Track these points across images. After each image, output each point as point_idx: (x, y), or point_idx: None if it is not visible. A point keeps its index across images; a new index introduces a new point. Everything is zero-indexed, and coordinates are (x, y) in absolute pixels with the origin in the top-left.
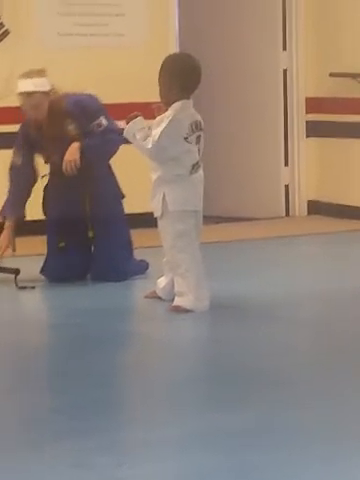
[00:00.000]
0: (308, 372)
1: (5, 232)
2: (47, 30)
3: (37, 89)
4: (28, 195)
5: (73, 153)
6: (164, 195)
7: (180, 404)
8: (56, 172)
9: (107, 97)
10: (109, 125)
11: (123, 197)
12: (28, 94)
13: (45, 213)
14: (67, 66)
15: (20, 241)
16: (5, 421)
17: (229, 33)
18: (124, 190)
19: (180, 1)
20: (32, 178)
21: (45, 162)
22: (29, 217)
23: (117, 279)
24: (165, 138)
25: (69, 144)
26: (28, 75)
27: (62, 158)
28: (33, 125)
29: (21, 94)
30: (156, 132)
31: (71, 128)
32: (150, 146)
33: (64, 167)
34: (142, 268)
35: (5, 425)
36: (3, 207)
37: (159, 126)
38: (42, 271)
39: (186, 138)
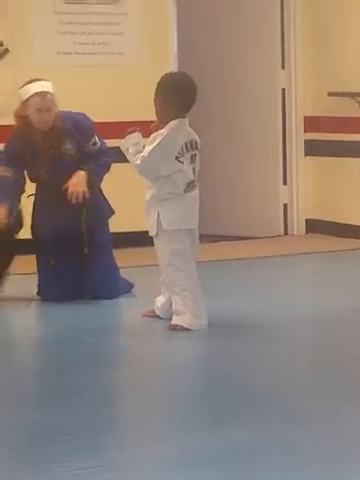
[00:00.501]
0: (305, 392)
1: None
2: (46, 49)
3: (50, 90)
4: (20, 194)
5: (82, 184)
6: (158, 214)
7: (178, 422)
8: (46, 190)
9: (105, 116)
10: (101, 145)
11: (113, 213)
12: (43, 94)
13: (34, 233)
14: (66, 85)
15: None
16: (5, 439)
17: (227, 52)
18: (115, 209)
19: (179, 20)
20: (22, 186)
21: (32, 180)
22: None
23: (111, 296)
24: (155, 156)
25: (64, 163)
26: (35, 80)
27: (54, 177)
28: (25, 138)
29: (35, 95)
30: (147, 149)
31: (69, 147)
32: (139, 162)
33: (70, 197)
34: (128, 286)
35: (5, 444)
36: None
37: (152, 144)
38: (38, 293)
39: (178, 157)
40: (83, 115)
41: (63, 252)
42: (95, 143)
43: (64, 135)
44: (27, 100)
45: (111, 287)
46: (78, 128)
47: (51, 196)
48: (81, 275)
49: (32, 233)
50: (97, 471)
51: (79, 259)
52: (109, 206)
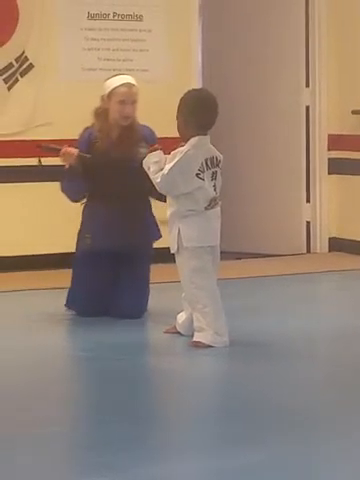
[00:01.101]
0: (326, 411)
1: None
2: (71, 64)
3: (136, 84)
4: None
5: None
6: (179, 230)
7: (196, 440)
8: (107, 199)
9: None
10: None
11: (160, 237)
12: (130, 85)
13: (82, 241)
14: (90, 101)
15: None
16: (29, 455)
17: (252, 70)
18: None
19: (203, 38)
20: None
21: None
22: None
23: (139, 316)
24: (175, 173)
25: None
26: (119, 74)
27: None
28: (105, 131)
29: (122, 85)
30: (167, 167)
31: (142, 151)
32: (159, 180)
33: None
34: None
35: (29, 459)
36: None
37: (172, 161)
38: (68, 304)
39: (198, 174)
40: (151, 130)
41: (108, 267)
42: None
43: (140, 139)
44: (112, 90)
45: (142, 307)
46: (149, 138)
47: (108, 205)
48: (112, 292)
49: (80, 241)
50: None
51: (113, 275)
52: (158, 230)
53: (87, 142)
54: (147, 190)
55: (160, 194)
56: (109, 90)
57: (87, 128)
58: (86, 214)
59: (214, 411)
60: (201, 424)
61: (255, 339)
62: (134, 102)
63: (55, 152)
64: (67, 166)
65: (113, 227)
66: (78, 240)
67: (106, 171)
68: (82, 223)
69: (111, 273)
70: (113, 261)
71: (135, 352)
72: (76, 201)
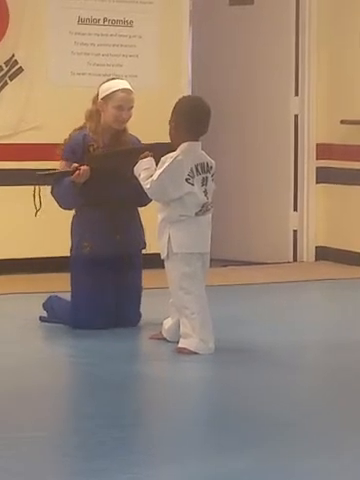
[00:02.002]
0: (310, 419)
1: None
2: (61, 69)
3: (133, 90)
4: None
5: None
6: (169, 237)
7: (183, 446)
8: (105, 206)
9: None
10: None
11: (144, 247)
12: (128, 91)
13: (77, 251)
14: (79, 105)
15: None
16: (13, 460)
17: (241, 77)
18: None
19: (193, 44)
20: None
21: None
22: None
23: (135, 324)
24: (164, 179)
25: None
26: (115, 78)
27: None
28: (96, 133)
29: (123, 90)
30: (156, 173)
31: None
32: (149, 186)
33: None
34: None
35: (14, 464)
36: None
37: (161, 167)
38: (74, 322)
39: (188, 179)
40: (139, 140)
41: (104, 275)
42: None
43: (131, 142)
44: (110, 94)
45: (137, 315)
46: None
47: (100, 211)
48: (113, 303)
49: (75, 250)
50: None
51: (113, 284)
52: (143, 239)
53: (82, 144)
54: (137, 197)
55: (139, 199)
56: (106, 94)
57: (78, 130)
58: (82, 222)
59: (199, 418)
60: (185, 431)
61: (240, 347)
62: (130, 108)
63: (61, 175)
64: (80, 182)
65: (112, 235)
66: (75, 249)
67: (104, 177)
68: (77, 231)
69: (113, 282)
70: (113, 269)
71: (121, 358)
72: (67, 209)
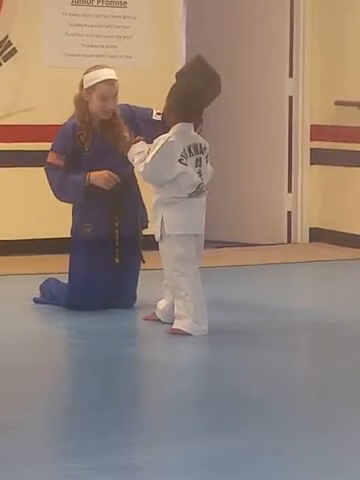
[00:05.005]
0: (303, 401)
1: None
2: (54, 50)
3: (116, 79)
4: None
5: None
6: (162, 218)
7: (177, 427)
8: (94, 187)
9: None
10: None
11: (147, 225)
12: (111, 82)
13: (78, 231)
14: (73, 86)
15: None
16: (5, 440)
17: (236, 59)
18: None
19: (188, 26)
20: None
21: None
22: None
23: (131, 305)
24: (157, 161)
25: (116, 159)
26: (99, 67)
27: (117, 174)
28: (86, 122)
29: (106, 81)
30: (150, 155)
31: (126, 135)
32: (142, 169)
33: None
34: None
35: (5, 444)
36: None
37: (154, 149)
38: (69, 302)
39: (181, 160)
40: (129, 106)
41: (100, 257)
42: (158, 113)
43: (122, 125)
44: (94, 85)
45: (132, 297)
46: (137, 110)
47: (94, 194)
48: (109, 285)
49: (75, 231)
50: (91, 473)
51: (110, 268)
52: (146, 218)
53: (72, 135)
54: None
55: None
56: (90, 84)
57: (69, 120)
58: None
59: (192, 398)
60: (179, 411)
61: (234, 328)
62: (115, 96)
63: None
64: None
65: (113, 216)
66: (75, 230)
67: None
68: (78, 212)
69: (111, 263)
70: (112, 250)
71: (115, 339)
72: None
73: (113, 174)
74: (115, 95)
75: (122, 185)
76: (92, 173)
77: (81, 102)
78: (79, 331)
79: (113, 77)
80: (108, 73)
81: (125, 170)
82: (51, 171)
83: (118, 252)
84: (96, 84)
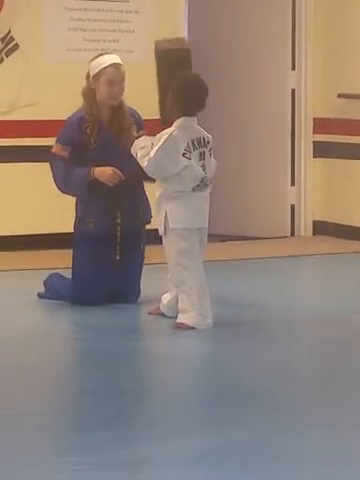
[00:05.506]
0: (307, 394)
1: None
2: (57, 45)
3: (122, 64)
4: None
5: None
6: (166, 213)
7: (182, 421)
8: (98, 182)
9: None
10: None
11: (150, 220)
12: (117, 66)
13: (81, 226)
14: (75, 81)
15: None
16: (13, 434)
17: (238, 52)
18: None
19: (189, 20)
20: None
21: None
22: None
23: (135, 300)
24: (161, 155)
25: (121, 154)
26: (104, 54)
27: (121, 169)
28: (94, 114)
29: (111, 65)
30: (153, 149)
31: (132, 129)
32: (146, 163)
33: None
34: None
35: (13, 438)
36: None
37: (158, 143)
38: (73, 297)
39: (184, 154)
40: (137, 112)
41: (103, 253)
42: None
43: (130, 118)
44: (100, 71)
45: (136, 292)
46: (136, 117)
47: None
48: (112, 280)
49: (78, 225)
50: (95, 468)
51: (112, 263)
52: (149, 213)
53: (78, 127)
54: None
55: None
56: (96, 71)
57: (75, 113)
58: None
59: (197, 392)
60: (184, 405)
61: (238, 321)
62: (122, 81)
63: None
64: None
65: (115, 211)
66: (78, 224)
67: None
68: (81, 207)
69: (114, 258)
70: (114, 245)
71: (120, 333)
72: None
73: (117, 171)
74: (122, 79)
75: (126, 181)
76: (96, 168)
77: (89, 93)
78: (83, 326)
79: (119, 61)
80: (113, 58)
81: (131, 166)
82: (55, 162)
83: (119, 248)
84: (103, 69)
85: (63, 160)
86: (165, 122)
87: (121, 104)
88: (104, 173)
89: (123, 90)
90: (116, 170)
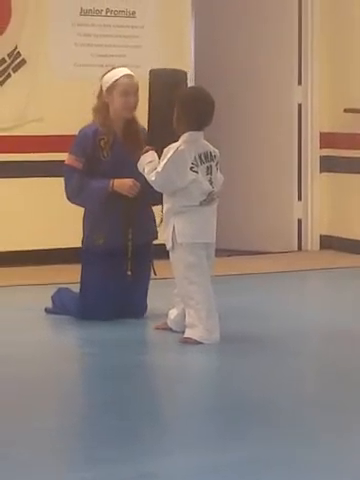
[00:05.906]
0: (314, 409)
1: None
2: (63, 60)
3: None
4: None
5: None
6: (174, 227)
7: (189, 436)
8: (120, 197)
9: None
10: None
11: (157, 236)
12: (131, 77)
13: (90, 242)
14: (82, 97)
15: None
16: (24, 449)
17: (244, 67)
18: None
19: (196, 35)
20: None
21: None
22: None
23: (142, 315)
24: (168, 169)
25: (134, 168)
26: (115, 68)
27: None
28: (108, 125)
29: (125, 76)
30: (161, 164)
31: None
32: (154, 178)
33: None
34: None
35: (24, 453)
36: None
37: (165, 158)
38: (80, 312)
39: (192, 168)
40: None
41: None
42: None
43: (142, 131)
44: (114, 83)
45: (144, 307)
46: (143, 133)
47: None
48: (120, 295)
49: (87, 242)
50: None
51: (123, 279)
52: (155, 229)
53: (93, 139)
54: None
55: (155, 198)
56: (110, 83)
57: (87, 126)
58: (96, 213)
59: (204, 407)
60: (191, 420)
61: (245, 336)
62: (136, 92)
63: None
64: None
65: (127, 227)
66: (87, 240)
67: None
68: (90, 223)
69: (125, 274)
70: (125, 261)
71: (127, 348)
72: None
73: (137, 182)
74: (136, 90)
75: (137, 196)
76: (116, 180)
77: (102, 108)
78: (90, 341)
79: (131, 73)
80: (125, 70)
81: (142, 180)
82: (69, 173)
83: (130, 264)
84: (116, 80)
85: (78, 171)
86: (152, 143)
87: (134, 118)
88: (124, 184)
89: (138, 101)
90: (135, 181)
